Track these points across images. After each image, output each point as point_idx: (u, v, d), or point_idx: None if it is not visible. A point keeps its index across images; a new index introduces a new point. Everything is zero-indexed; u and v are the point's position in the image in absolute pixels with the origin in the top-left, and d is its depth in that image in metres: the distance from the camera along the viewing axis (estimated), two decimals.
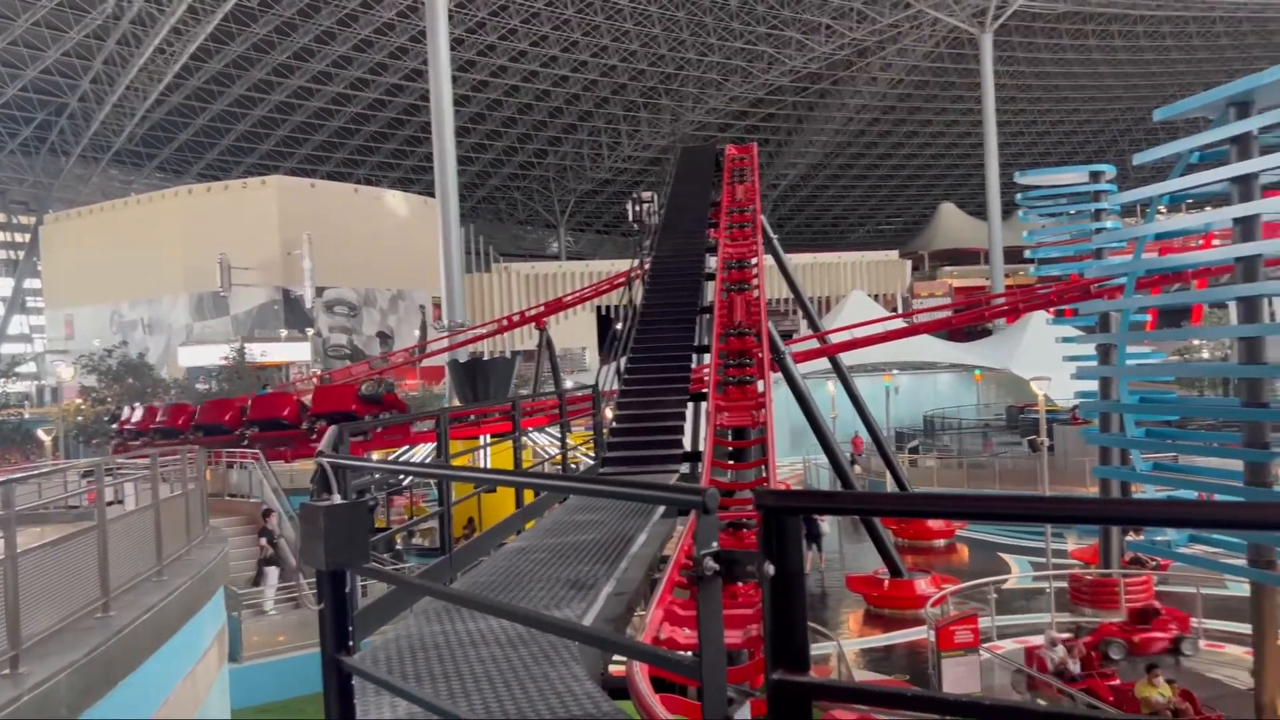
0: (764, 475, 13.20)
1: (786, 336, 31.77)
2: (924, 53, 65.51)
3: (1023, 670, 15.55)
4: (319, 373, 40.21)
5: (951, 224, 76.29)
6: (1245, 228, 12.60)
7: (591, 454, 16.17)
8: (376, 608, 5.36)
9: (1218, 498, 13.63)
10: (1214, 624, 17.28)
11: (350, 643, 3.13)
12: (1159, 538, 14.48)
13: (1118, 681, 14.53)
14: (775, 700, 1.69)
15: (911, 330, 32.10)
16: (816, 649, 15.58)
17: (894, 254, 69.63)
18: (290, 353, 49.73)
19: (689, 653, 2.21)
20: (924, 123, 75.83)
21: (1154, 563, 20.34)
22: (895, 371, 43.60)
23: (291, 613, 18.39)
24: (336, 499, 3.25)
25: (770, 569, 1.74)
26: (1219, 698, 14.03)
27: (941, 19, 56.20)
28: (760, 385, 15.03)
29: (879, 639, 18.97)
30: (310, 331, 51.43)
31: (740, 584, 8.03)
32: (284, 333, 50.55)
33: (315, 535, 3.08)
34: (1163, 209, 16.96)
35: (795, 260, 42.25)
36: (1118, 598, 18.55)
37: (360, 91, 59.66)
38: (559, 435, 16.12)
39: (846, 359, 28.36)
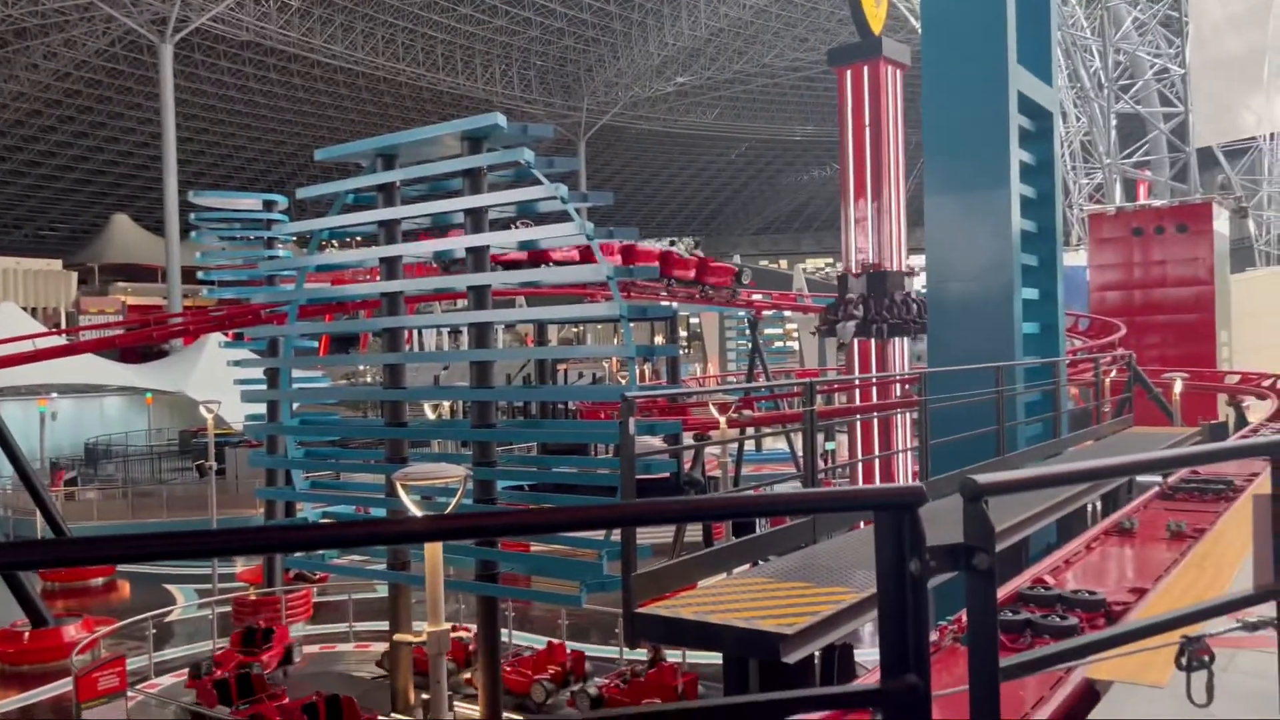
0: None
1: None
2: (97, 49, 60.18)
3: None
4: None
5: (126, 237, 71.26)
6: (389, 267, 14.18)
7: None
8: None
9: (372, 510, 14.98)
10: (363, 625, 18.98)
11: None
12: (314, 553, 15.35)
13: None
14: None
15: (73, 349, 28.96)
16: None
17: (58, 264, 62.32)
18: None
19: None
20: (97, 125, 69.42)
21: (316, 575, 21.58)
22: (54, 395, 39.15)
23: None
24: None
25: None
26: (365, 693, 15.33)
27: (117, 17, 52.28)
28: None
29: (16, 700, 16.59)
30: None
31: None
32: None
33: None
34: (335, 243, 18.24)
35: None
36: (280, 614, 19.14)
37: None
38: None
39: None
